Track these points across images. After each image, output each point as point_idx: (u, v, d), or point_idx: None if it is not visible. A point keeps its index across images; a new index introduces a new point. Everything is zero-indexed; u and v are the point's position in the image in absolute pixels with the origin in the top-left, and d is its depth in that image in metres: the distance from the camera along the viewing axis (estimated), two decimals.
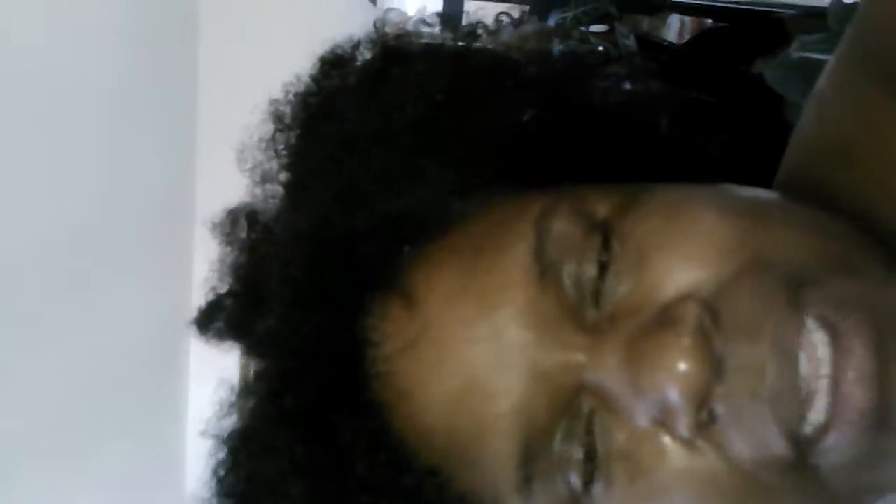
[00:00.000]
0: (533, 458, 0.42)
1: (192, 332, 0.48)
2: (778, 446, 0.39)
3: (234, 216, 0.49)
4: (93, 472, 1.37)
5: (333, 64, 0.49)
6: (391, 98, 0.47)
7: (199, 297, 0.50)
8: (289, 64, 0.50)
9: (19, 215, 1.13)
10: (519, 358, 0.42)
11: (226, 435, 0.48)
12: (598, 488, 0.42)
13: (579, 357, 0.41)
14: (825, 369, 0.39)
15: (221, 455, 0.48)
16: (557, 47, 0.52)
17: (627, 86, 0.52)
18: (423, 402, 0.43)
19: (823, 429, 0.38)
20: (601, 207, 0.43)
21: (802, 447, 0.38)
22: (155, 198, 1.53)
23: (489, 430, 0.42)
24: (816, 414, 0.39)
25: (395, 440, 0.44)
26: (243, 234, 0.48)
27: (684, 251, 0.42)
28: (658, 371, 0.39)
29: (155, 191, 1.53)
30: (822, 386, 0.39)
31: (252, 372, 0.46)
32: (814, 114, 0.52)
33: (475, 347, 0.42)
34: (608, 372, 0.41)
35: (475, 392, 0.42)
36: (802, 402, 0.38)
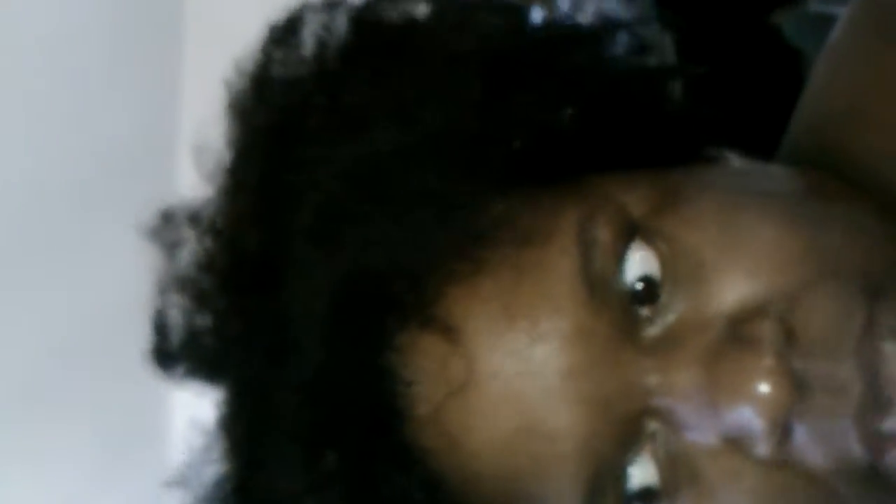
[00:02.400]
0: (599, 492, 0.40)
1: (149, 363, 0.44)
2: (861, 457, 0.38)
3: (172, 219, 0.45)
4: (68, 434, 1.37)
5: (287, 39, 0.45)
6: (394, 102, 0.44)
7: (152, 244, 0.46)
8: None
9: None
10: (578, 390, 0.40)
11: (230, 499, 0.44)
12: None
13: (645, 380, 0.40)
14: None
15: None
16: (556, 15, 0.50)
17: (639, 55, 0.50)
18: (475, 448, 0.41)
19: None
20: (636, 206, 0.41)
21: (879, 450, 0.38)
22: (130, 152, 1.51)
23: (551, 474, 0.41)
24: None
25: (451, 491, 0.42)
26: (189, 243, 0.44)
27: (745, 263, 0.40)
28: (739, 395, 0.38)
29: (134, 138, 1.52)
30: None
31: (231, 421, 0.43)
32: (825, 74, 0.50)
33: (528, 383, 0.40)
34: (681, 395, 0.39)
35: (534, 433, 0.40)
36: (886, 411, 0.38)
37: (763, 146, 0.50)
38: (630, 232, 0.40)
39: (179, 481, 0.44)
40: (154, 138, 1.69)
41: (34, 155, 1.25)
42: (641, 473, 0.40)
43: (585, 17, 0.51)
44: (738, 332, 0.39)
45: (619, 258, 0.40)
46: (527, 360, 0.40)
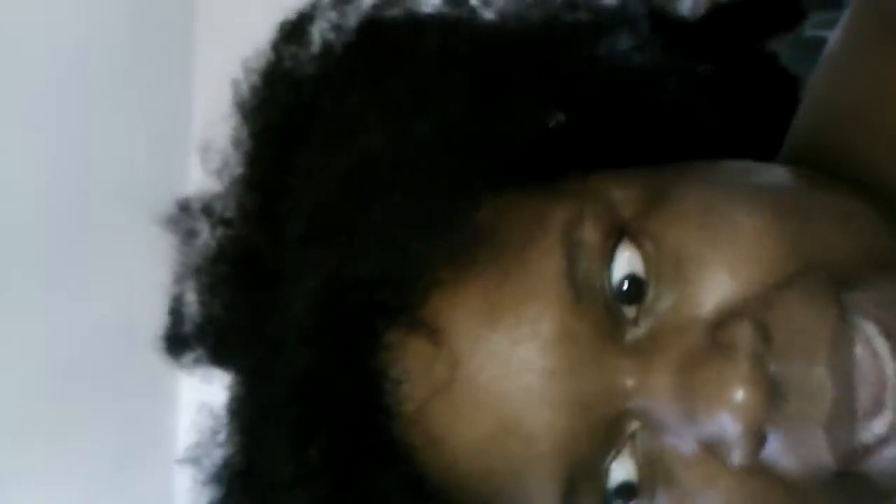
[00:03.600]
0: (576, 490, 0.43)
1: (160, 350, 0.46)
2: (826, 461, 0.41)
3: (188, 209, 0.46)
4: (78, 446, 1.37)
5: (297, 37, 0.46)
6: (387, 108, 0.45)
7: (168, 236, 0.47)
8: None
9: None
10: (558, 391, 0.42)
11: (233, 482, 0.45)
12: None
13: (624, 381, 0.41)
14: (890, 377, 0.38)
15: (227, 501, 0.45)
16: (559, 15, 0.50)
17: (635, 56, 0.50)
18: (458, 446, 0.43)
19: (883, 441, 0.40)
20: (626, 206, 0.42)
21: (850, 460, 0.40)
22: (138, 169, 1.52)
23: (531, 472, 0.43)
24: (880, 425, 0.39)
25: (435, 487, 0.44)
26: (204, 233, 0.46)
27: (728, 261, 0.41)
28: (715, 401, 0.39)
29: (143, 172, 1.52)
30: (889, 400, 0.38)
31: (236, 406, 0.44)
32: (824, 78, 0.51)
33: (510, 384, 0.42)
34: (657, 398, 0.41)
35: (513, 433, 0.42)
36: (857, 419, 0.40)
37: (761, 157, 0.50)
38: (618, 232, 0.41)
39: (190, 460, 0.46)
40: (165, 152, 1.71)
41: (39, 168, 1.26)
42: (623, 471, 0.41)
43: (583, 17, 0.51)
44: (716, 336, 0.40)
45: (606, 259, 0.41)
46: (508, 361, 0.42)
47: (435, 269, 0.43)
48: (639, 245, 0.42)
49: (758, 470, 0.41)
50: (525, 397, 0.42)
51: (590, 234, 0.42)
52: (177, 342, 0.47)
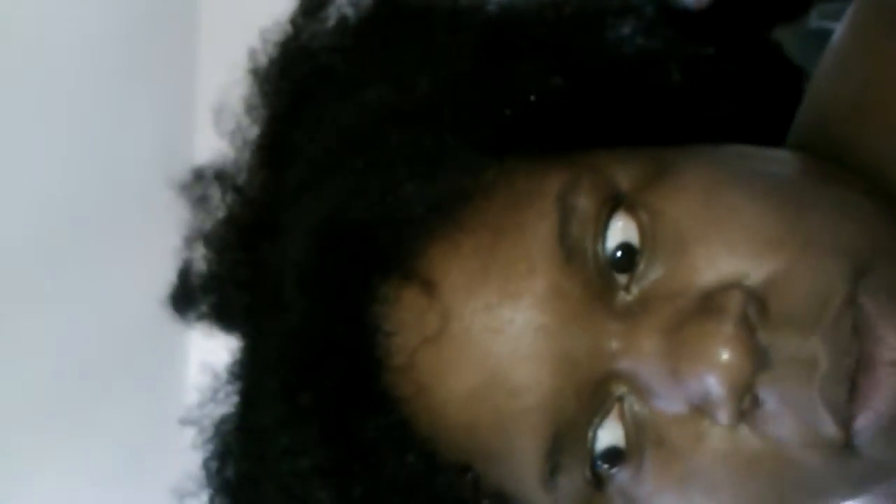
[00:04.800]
0: (560, 449, 0.43)
1: (167, 309, 0.47)
2: (828, 430, 0.40)
3: (202, 176, 0.47)
4: (88, 441, 1.38)
5: (316, 12, 0.47)
6: (394, 67, 0.45)
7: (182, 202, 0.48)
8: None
9: (16, 178, 1.13)
10: (546, 347, 0.42)
11: (228, 436, 0.46)
12: (624, 475, 0.41)
13: (611, 343, 0.41)
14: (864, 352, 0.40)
15: (222, 455, 0.46)
16: None
17: (640, 40, 0.50)
18: (445, 396, 0.43)
19: (860, 409, 0.40)
20: (624, 179, 0.43)
21: (850, 430, 0.40)
22: (151, 159, 1.52)
23: (515, 426, 0.43)
24: (873, 399, 0.40)
25: (421, 437, 0.44)
26: (216, 199, 0.46)
27: (726, 238, 0.41)
28: (699, 361, 0.39)
29: (151, 152, 1.52)
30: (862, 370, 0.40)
31: (239, 360, 0.45)
32: (828, 69, 0.51)
33: (498, 338, 0.42)
34: (644, 359, 0.41)
35: (500, 386, 0.42)
36: (852, 386, 0.40)
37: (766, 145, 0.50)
38: (614, 202, 0.41)
39: (191, 420, 0.47)
40: (172, 149, 1.71)
41: (48, 167, 1.26)
42: (610, 435, 0.41)
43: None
44: (706, 303, 0.40)
45: (600, 226, 0.42)
46: (498, 315, 0.42)
47: (430, 220, 0.43)
48: (635, 216, 0.42)
49: (751, 431, 0.41)
50: (513, 351, 0.42)
51: (584, 200, 0.43)
52: (183, 299, 0.48)
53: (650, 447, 0.43)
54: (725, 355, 0.39)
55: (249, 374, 0.46)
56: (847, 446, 0.41)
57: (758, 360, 0.40)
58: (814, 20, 0.91)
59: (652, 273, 0.43)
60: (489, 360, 0.42)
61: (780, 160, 0.48)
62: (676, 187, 0.41)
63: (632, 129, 0.47)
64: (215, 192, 0.47)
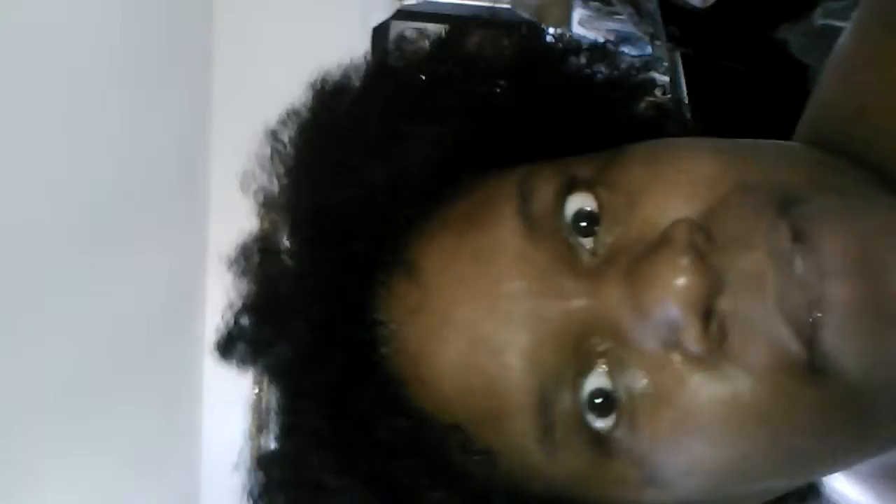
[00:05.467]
0: (550, 403, 0.42)
1: (213, 358, 0.49)
2: (792, 345, 0.39)
3: (246, 250, 0.50)
4: (106, 431, 1.39)
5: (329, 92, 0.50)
6: (377, 88, 0.48)
7: (214, 260, 0.50)
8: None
9: (35, 178, 1.14)
10: (518, 308, 0.43)
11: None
12: (621, 430, 0.42)
13: (580, 300, 0.42)
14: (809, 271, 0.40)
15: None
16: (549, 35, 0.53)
17: (597, 70, 0.53)
18: (432, 365, 0.44)
19: (819, 326, 0.38)
20: (582, 170, 0.44)
21: (815, 347, 0.38)
22: (170, 160, 1.54)
23: (501, 383, 0.43)
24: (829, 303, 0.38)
25: (414, 405, 0.44)
26: (257, 264, 0.50)
27: (671, 187, 0.42)
28: (656, 288, 0.40)
29: (170, 153, 1.54)
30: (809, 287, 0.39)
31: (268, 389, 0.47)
32: (833, 77, 0.51)
33: (474, 304, 0.43)
34: (609, 304, 0.41)
35: (481, 348, 0.43)
36: (808, 300, 0.38)
37: None
38: (570, 183, 0.43)
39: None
40: (189, 150, 1.73)
41: (73, 162, 1.28)
42: (596, 382, 0.42)
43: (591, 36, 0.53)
44: (658, 240, 0.41)
45: (560, 199, 0.43)
46: (472, 285, 0.43)
47: (413, 221, 0.45)
48: (591, 190, 0.44)
49: (728, 365, 0.40)
50: (487, 315, 0.43)
51: (543, 182, 0.44)
52: (223, 346, 0.51)
53: (639, 399, 0.43)
54: (680, 279, 0.40)
55: (270, 364, 0.49)
56: (819, 369, 0.40)
57: (711, 279, 0.40)
58: (819, 18, 0.91)
59: (612, 234, 0.44)
60: (468, 326, 0.43)
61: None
62: (628, 161, 0.44)
63: (598, 142, 0.50)
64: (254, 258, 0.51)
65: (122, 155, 1.41)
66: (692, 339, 0.40)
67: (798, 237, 0.40)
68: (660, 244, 0.41)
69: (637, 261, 0.41)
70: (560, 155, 0.48)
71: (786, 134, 0.53)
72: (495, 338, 0.43)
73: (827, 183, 0.42)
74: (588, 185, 0.44)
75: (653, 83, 0.52)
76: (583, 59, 0.51)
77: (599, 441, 0.43)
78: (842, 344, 0.39)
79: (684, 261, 0.39)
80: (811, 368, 0.39)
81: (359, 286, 0.46)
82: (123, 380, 1.44)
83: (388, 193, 0.46)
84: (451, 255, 0.45)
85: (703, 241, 0.40)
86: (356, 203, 0.46)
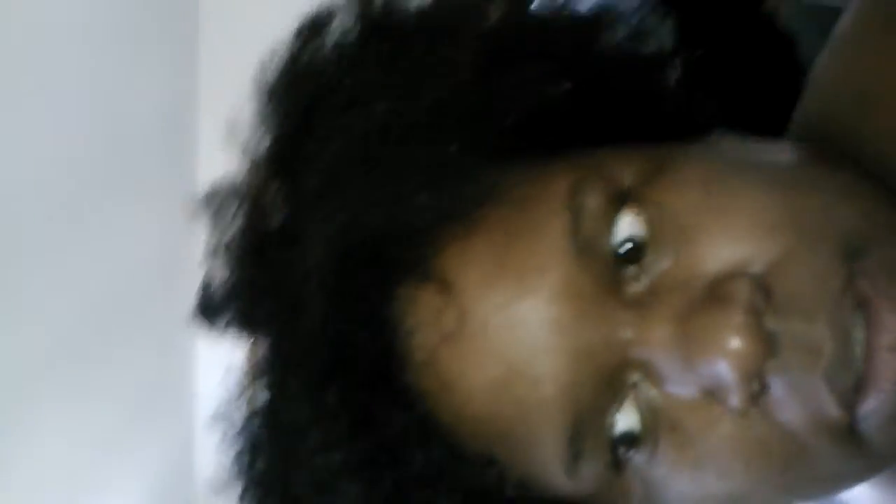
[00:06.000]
0: (582, 436, 0.43)
1: (196, 321, 0.47)
2: (832, 412, 0.40)
3: (216, 193, 0.47)
4: (103, 381, 1.40)
5: (314, 32, 0.47)
6: (397, 80, 0.46)
7: (201, 219, 0.49)
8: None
9: (23, 138, 1.14)
10: (561, 339, 0.42)
11: (258, 431, 0.47)
12: (640, 458, 0.43)
13: (624, 332, 0.41)
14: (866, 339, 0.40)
15: (253, 450, 0.47)
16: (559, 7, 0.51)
17: (634, 44, 0.51)
18: (467, 391, 0.43)
19: (862, 394, 0.40)
20: (627, 176, 0.43)
21: (855, 414, 0.40)
22: (158, 117, 1.53)
23: (536, 416, 0.43)
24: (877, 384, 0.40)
25: (445, 430, 0.44)
26: (232, 212, 0.47)
27: (729, 226, 0.42)
28: (711, 348, 0.40)
29: (158, 110, 1.53)
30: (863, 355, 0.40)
31: (262, 363, 0.45)
32: (831, 64, 0.52)
33: (516, 332, 0.42)
34: (657, 346, 0.41)
35: (519, 378, 0.42)
36: (857, 377, 0.40)
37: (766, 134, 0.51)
38: (620, 200, 0.43)
39: (218, 417, 0.48)
40: (177, 116, 1.72)
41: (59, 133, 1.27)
42: (626, 420, 0.43)
43: (585, 5, 0.54)
44: (714, 291, 0.41)
45: (609, 222, 0.43)
46: (514, 311, 0.42)
47: (443, 223, 0.44)
48: (640, 211, 0.43)
49: (761, 416, 0.41)
50: (531, 345, 0.42)
51: (592, 199, 0.43)
52: (209, 310, 0.49)
53: (664, 432, 0.43)
54: (736, 343, 0.39)
55: (276, 374, 0.47)
56: (852, 431, 0.40)
57: (766, 346, 0.40)
58: None
59: (659, 264, 0.43)
60: (508, 354, 0.42)
61: (780, 150, 0.48)
62: (677, 181, 0.43)
63: (630, 127, 0.48)
64: (231, 206, 0.48)
65: (117, 106, 1.40)
66: (737, 400, 0.41)
67: (861, 303, 0.40)
68: (718, 299, 0.40)
69: (692, 310, 0.41)
70: (592, 140, 0.47)
71: (777, 106, 0.54)
72: (535, 369, 0.42)
73: (887, 224, 0.42)
74: (636, 202, 0.42)
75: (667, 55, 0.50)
76: (612, 32, 0.50)
77: (618, 464, 0.44)
78: (880, 422, 0.40)
79: (743, 323, 0.39)
80: (848, 432, 0.41)
81: (386, 292, 0.44)
82: (120, 330, 1.45)
83: (424, 209, 0.43)
84: (493, 277, 0.43)
85: (762, 299, 0.40)
86: (390, 219, 0.43)
